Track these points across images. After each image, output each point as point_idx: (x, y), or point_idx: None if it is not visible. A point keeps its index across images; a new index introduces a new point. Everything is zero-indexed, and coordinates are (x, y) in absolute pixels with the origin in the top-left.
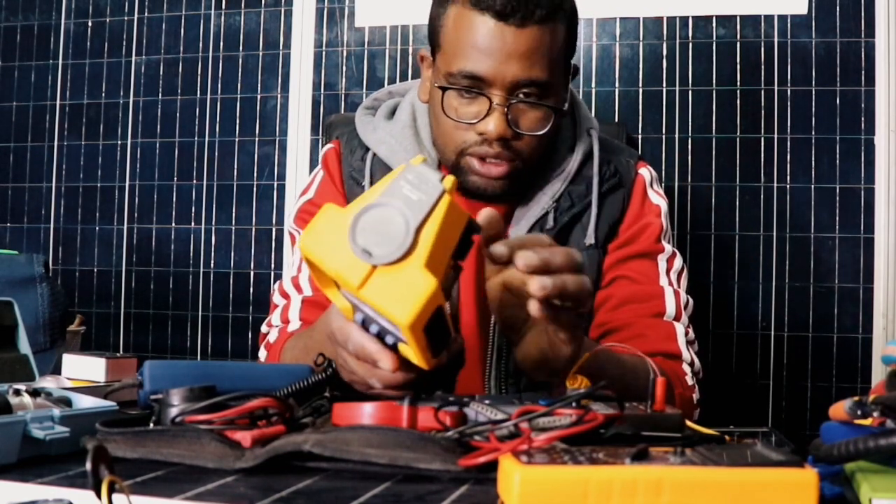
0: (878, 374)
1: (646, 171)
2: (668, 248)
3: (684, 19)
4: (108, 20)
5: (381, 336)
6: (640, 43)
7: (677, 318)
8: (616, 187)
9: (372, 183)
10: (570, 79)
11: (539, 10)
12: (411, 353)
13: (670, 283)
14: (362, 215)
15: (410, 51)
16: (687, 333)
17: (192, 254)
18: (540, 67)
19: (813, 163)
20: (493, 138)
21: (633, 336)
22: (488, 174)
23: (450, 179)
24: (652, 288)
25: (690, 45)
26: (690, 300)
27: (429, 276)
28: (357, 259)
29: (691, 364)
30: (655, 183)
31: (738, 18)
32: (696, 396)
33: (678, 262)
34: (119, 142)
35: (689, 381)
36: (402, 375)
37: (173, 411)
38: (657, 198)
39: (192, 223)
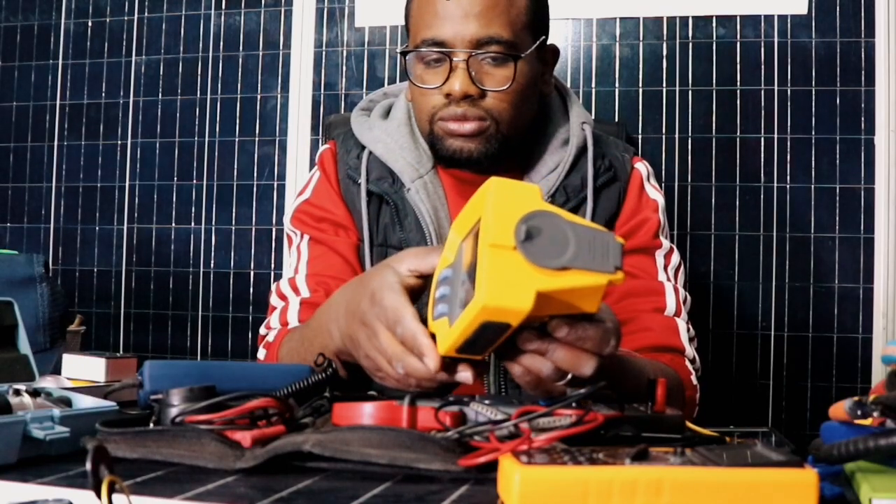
0: (878, 374)
1: (642, 166)
2: (666, 243)
3: (684, 19)
4: (108, 20)
5: (439, 299)
6: (640, 43)
7: (677, 314)
8: (611, 181)
9: (368, 180)
10: (548, 56)
11: None
12: (445, 331)
13: (669, 279)
14: (548, 216)
15: None
16: (688, 330)
17: (192, 254)
18: (499, 25)
19: (813, 163)
20: (458, 96)
21: (638, 330)
22: (461, 131)
23: (620, 276)
24: (651, 283)
25: (690, 45)
26: (688, 296)
27: (532, 299)
28: (512, 230)
29: (693, 361)
30: (652, 178)
31: (738, 18)
32: (697, 396)
33: (675, 258)
34: (119, 142)
35: (693, 380)
36: (435, 376)
37: (173, 411)
38: (654, 192)
39: (192, 223)
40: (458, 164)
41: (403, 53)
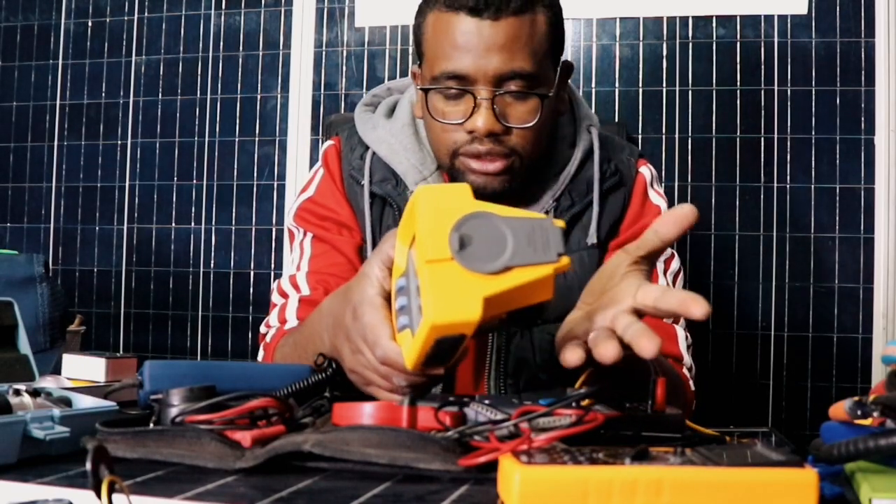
0: (878, 374)
1: (646, 170)
2: (668, 249)
3: (684, 19)
4: (108, 20)
5: (399, 310)
6: (640, 43)
7: (676, 320)
8: (617, 186)
9: (371, 182)
10: (562, 74)
11: (513, 1)
12: (408, 346)
13: (668, 285)
14: (481, 217)
15: (410, 51)
16: (686, 338)
17: (192, 254)
18: (522, 58)
19: (813, 163)
20: (483, 134)
21: None
22: (485, 171)
23: (565, 261)
24: None
25: (690, 45)
26: None
27: (479, 307)
28: (446, 241)
29: (690, 369)
30: (656, 182)
31: (738, 18)
32: (693, 403)
33: (675, 263)
34: (119, 142)
35: (691, 386)
36: (415, 380)
37: (173, 411)
38: (657, 198)
39: (192, 223)
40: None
41: (424, 90)
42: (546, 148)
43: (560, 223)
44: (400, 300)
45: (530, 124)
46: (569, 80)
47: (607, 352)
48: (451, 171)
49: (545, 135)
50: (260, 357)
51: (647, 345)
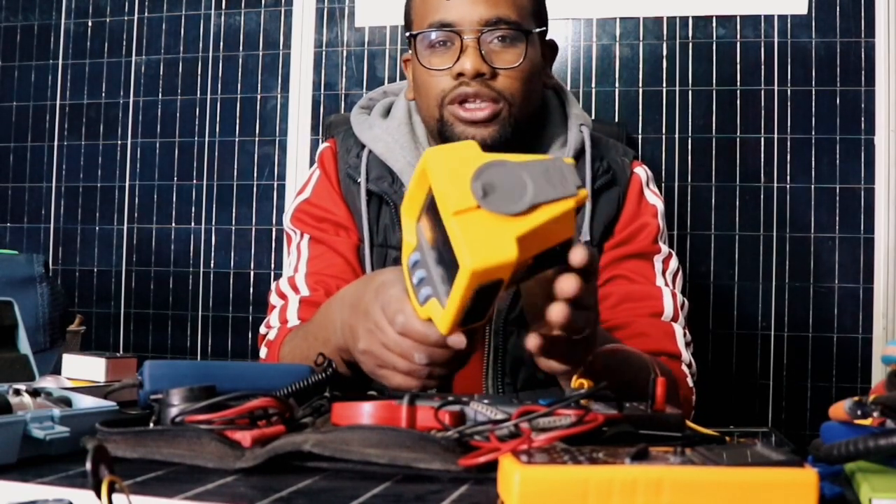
0: (878, 374)
1: (641, 171)
2: (665, 249)
3: (684, 19)
4: (108, 20)
5: (418, 284)
6: (640, 43)
7: (675, 318)
8: (610, 184)
9: (368, 180)
10: (547, 48)
11: None
12: (439, 311)
13: (667, 284)
14: (497, 165)
15: None
16: (685, 335)
17: (192, 254)
18: (505, 7)
19: (813, 163)
20: (470, 75)
21: (635, 335)
22: (473, 118)
23: (584, 193)
24: (649, 288)
25: (690, 45)
26: (686, 302)
27: (514, 247)
28: (469, 191)
29: (689, 365)
30: (651, 183)
31: (738, 18)
32: (693, 399)
33: (674, 263)
34: (119, 142)
35: (690, 382)
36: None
37: (173, 411)
38: (654, 198)
39: (192, 223)
40: None
41: (412, 36)
42: (533, 112)
43: (570, 160)
44: (417, 273)
45: (516, 65)
46: (555, 70)
47: (552, 314)
48: (440, 127)
49: (533, 89)
50: (262, 356)
51: (574, 257)
